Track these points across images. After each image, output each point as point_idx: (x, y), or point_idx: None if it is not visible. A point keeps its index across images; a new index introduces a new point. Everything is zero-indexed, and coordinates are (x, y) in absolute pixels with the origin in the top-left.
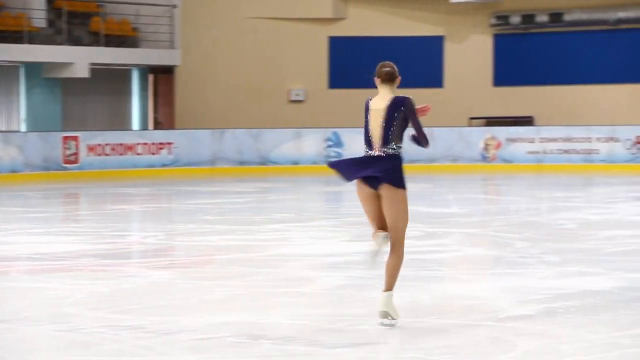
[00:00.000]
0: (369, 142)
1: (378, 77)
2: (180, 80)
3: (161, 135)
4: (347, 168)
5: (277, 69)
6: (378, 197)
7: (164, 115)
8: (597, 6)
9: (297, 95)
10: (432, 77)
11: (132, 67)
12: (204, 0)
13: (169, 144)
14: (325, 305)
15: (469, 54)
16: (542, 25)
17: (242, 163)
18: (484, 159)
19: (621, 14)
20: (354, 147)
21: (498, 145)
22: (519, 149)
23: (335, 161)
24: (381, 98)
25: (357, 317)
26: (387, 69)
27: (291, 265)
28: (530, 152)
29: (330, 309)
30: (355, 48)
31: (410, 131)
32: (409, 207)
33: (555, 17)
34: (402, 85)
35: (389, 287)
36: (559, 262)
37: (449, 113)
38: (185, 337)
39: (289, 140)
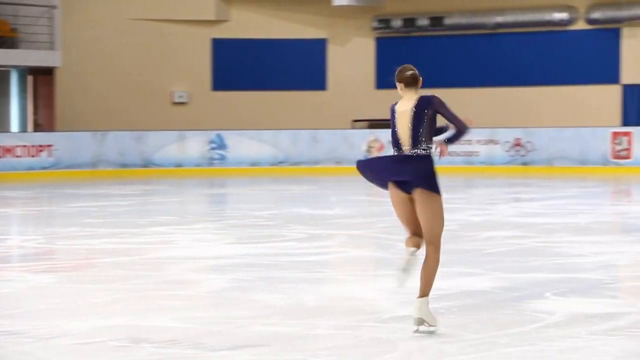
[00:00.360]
0: (398, 146)
1: (400, 82)
2: (61, 81)
3: (41, 138)
4: (379, 173)
5: (159, 71)
6: (411, 201)
7: (44, 117)
8: (476, 10)
9: (180, 97)
10: (315, 79)
11: (11, 69)
12: (85, 1)
13: (49, 146)
14: (209, 308)
15: (352, 57)
16: (423, 29)
17: (124, 165)
18: None
19: (499, 19)
20: (238, 149)
21: (381, 148)
22: None
23: (364, 162)
24: (407, 100)
25: (241, 319)
26: (410, 72)
27: (175, 268)
28: None
29: (214, 311)
30: (238, 50)
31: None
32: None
33: (436, 21)
34: (286, 87)
35: (424, 293)
36: (440, 263)
37: (332, 115)
38: (67, 342)
39: (172, 142)
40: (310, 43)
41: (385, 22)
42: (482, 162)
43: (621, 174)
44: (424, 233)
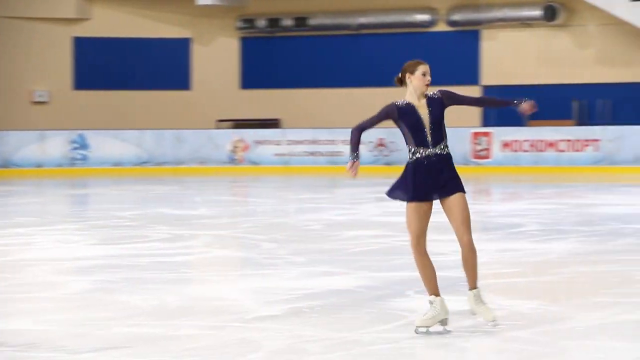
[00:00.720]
0: None
1: None
2: None
3: None
4: None
5: (19, 69)
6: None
7: None
8: (340, 11)
9: (40, 96)
10: (179, 79)
11: None
12: None
13: None
14: (71, 310)
15: (216, 57)
16: (287, 29)
17: None
18: (232, 161)
19: (362, 20)
20: (100, 149)
21: (245, 148)
22: (266, 151)
23: None
24: None
25: (104, 320)
26: None
27: (36, 270)
28: (277, 154)
29: (77, 313)
30: (100, 49)
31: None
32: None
33: (300, 21)
34: (149, 86)
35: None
36: (305, 263)
37: (196, 115)
38: None
39: (33, 142)
40: (174, 42)
41: (249, 22)
42: (345, 162)
43: (481, 173)
44: None
